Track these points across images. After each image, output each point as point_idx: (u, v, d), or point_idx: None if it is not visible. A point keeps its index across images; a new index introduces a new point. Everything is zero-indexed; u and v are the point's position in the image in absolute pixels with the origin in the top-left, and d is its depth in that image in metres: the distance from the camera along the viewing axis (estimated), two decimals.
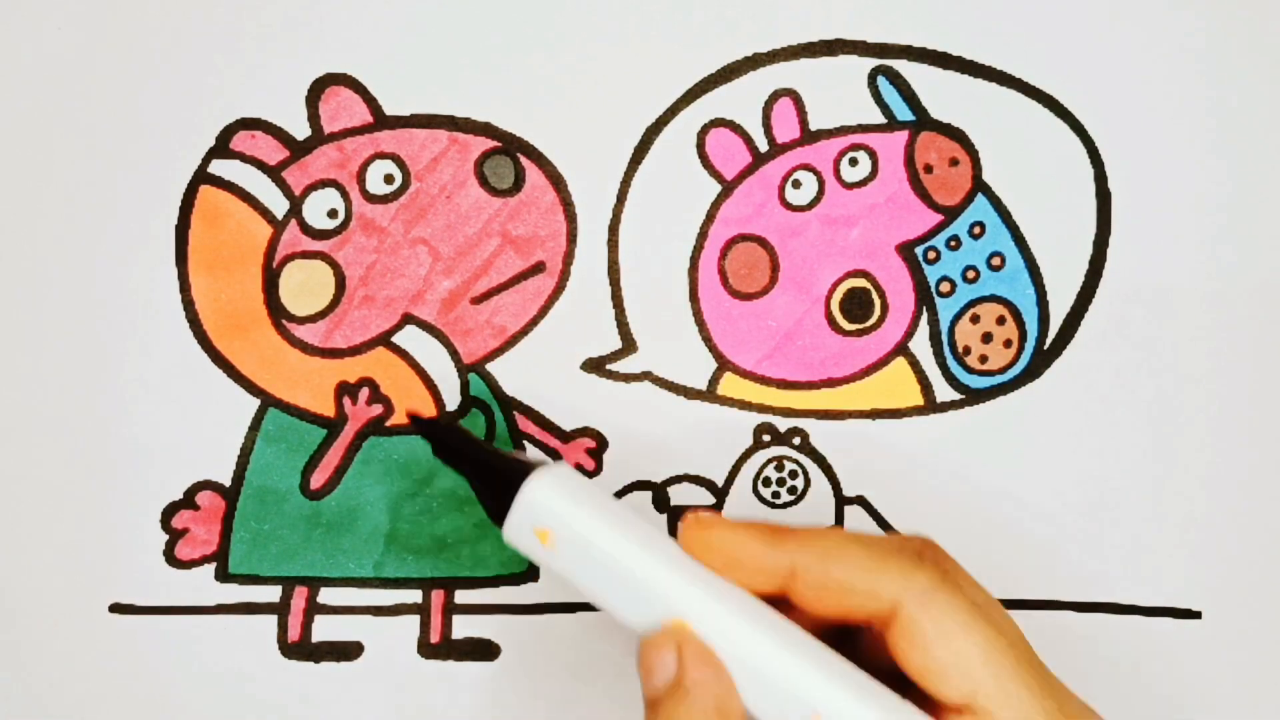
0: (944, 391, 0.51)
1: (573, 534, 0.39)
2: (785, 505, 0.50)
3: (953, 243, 0.50)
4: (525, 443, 0.50)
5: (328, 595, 0.50)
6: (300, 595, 0.50)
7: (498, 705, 0.50)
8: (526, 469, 0.40)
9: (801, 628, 0.39)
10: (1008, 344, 0.51)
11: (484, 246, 0.49)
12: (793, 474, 0.50)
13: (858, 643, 0.41)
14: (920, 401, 0.51)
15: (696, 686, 0.38)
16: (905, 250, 0.50)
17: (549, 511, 0.39)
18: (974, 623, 0.38)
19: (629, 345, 0.50)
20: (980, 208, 0.50)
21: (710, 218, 0.50)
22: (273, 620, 0.50)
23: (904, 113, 0.50)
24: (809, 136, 0.50)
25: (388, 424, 0.49)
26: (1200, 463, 0.51)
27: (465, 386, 0.50)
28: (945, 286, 0.50)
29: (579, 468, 0.50)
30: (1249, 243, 0.51)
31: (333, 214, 0.49)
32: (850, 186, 0.50)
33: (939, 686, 0.38)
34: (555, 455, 0.50)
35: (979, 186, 0.50)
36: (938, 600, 0.38)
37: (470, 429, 0.47)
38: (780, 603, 0.40)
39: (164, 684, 0.49)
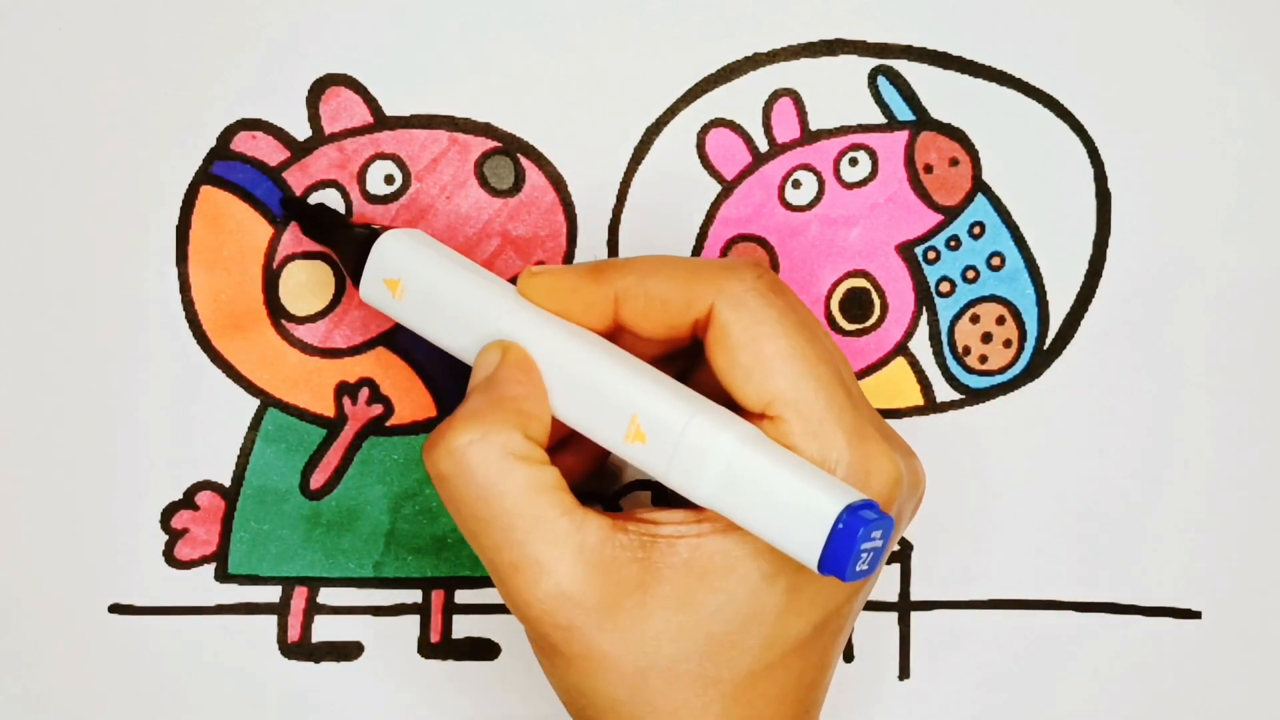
0: (944, 391, 0.51)
1: (418, 281, 0.43)
2: None
3: (952, 243, 0.50)
4: None
5: (328, 595, 0.50)
6: (300, 595, 0.50)
7: (498, 705, 0.50)
8: (381, 232, 0.44)
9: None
10: (1008, 344, 0.51)
11: (484, 247, 0.49)
12: None
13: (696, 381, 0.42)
14: (920, 401, 0.51)
15: (503, 382, 0.39)
16: (905, 250, 0.50)
17: (397, 263, 0.43)
18: (782, 329, 0.38)
19: None
20: (980, 208, 0.50)
21: (710, 218, 0.50)
22: (273, 620, 0.50)
23: (904, 113, 0.50)
24: (809, 136, 0.50)
25: (388, 424, 0.49)
26: (1200, 462, 0.51)
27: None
28: (945, 286, 0.50)
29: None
30: (1249, 243, 0.51)
31: None
32: (850, 186, 0.50)
33: (742, 390, 0.38)
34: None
35: (979, 186, 0.50)
36: (749, 303, 0.38)
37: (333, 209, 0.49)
38: (616, 337, 0.41)
39: (164, 684, 0.49)
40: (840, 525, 0.35)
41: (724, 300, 0.39)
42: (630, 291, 0.40)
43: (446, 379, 0.50)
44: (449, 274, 0.43)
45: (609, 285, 0.40)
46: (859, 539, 0.35)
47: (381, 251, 0.43)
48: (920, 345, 0.51)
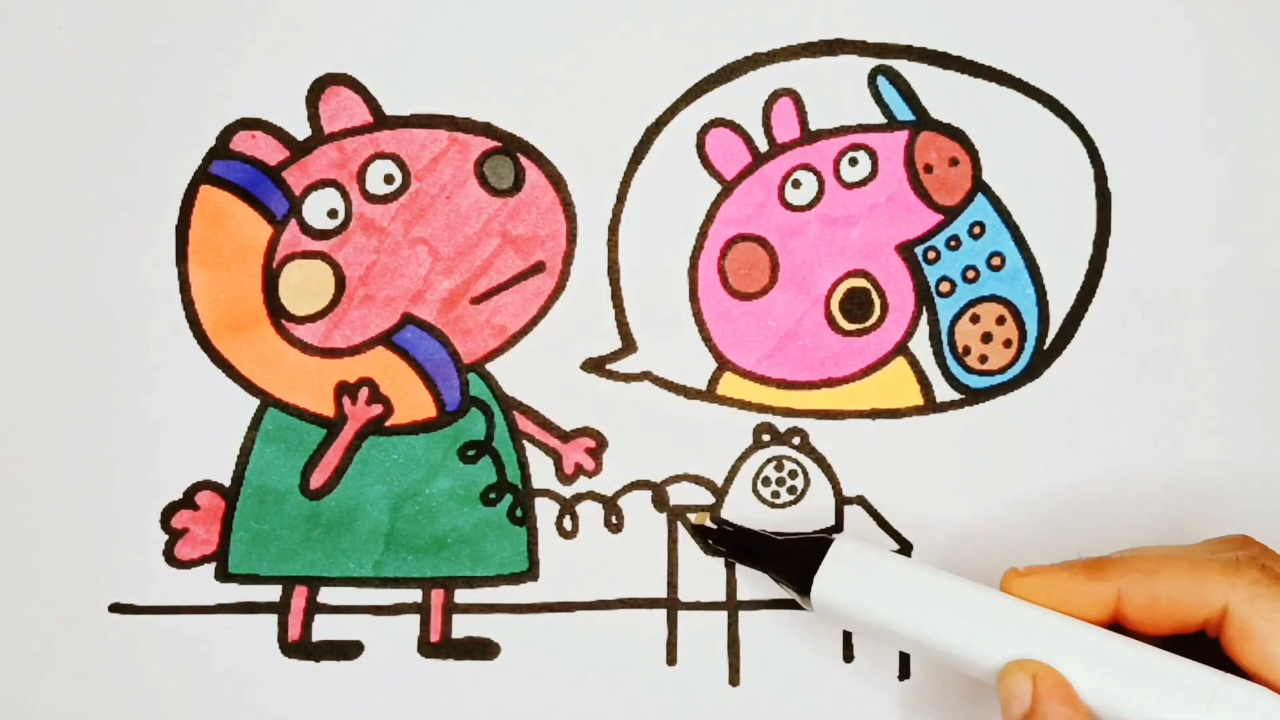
0: (944, 391, 0.51)
1: (882, 582, 0.44)
2: (785, 505, 0.50)
3: (953, 242, 0.50)
4: (536, 450, 0.50)
5: (328, 595, 0.50)
6: (300, 595, 0.50)
7: (498, 705, 0.50)
8: (817, 547, 0.45)
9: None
10: (1008, 344, 0.51)
11: (484, 246, 0.49)
12: (792, 474, 0.50)
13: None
14: (920, 401, 0.51)
15: (1049, 718, 0.40)
16: (905, 250, 0.50)
17: (855, 572, 0.44)
18: None
19: (629, 345, 0.50)
20: (980, 208, 0.50)
21: (710, 218, 0.50)
22: (273, 620, 0.50)
23: (904, 113, 0.50)
24: (809, 136, 0.50)
25: (387, 424, 0.49)
26: (1200, 462, 0.51)
27: (465, 386, 0.50)
28: (945, 286, 0.50)
29: (579, 468, 0.50)
30: (1249, 243, 0.51)
31: (333, 214, 0.49)
32: (850, 186, 0.50)
33: (1278, 678, 0.40)
34: (555, 455, 0.50)
35: (979, 186, 0.50)
36: (1264, 596, 0.40)
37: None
38: (1112, 630, 0.42)
39: (164, 684, 0.49)
40: None
41: (1237, 597, 0.40)
42: (1136, 591, 0.41)
43: (446, 379, 0.50)
44: (918, 573, 0.44)
45: (1112, 583, 0.42)
46: None
47: (839, 556, 0.44)
48: (920, 345, 0.51)
